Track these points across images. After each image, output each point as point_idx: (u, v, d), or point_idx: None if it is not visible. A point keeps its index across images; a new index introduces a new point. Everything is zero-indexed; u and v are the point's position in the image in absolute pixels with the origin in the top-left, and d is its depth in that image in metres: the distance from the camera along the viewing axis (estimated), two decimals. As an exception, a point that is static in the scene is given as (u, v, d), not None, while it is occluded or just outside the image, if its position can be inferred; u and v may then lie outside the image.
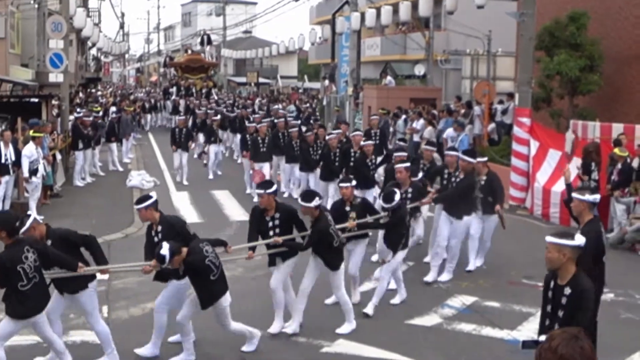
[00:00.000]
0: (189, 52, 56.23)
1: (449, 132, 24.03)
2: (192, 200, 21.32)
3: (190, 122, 35.24)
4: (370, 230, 12.02)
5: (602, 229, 8.81)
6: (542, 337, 4.49)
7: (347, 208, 11.56)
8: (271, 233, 10.42)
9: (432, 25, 37.19)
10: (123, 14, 78.07)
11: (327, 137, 19.12)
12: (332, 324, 10.89)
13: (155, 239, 9.58)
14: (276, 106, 36.42)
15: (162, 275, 9.66)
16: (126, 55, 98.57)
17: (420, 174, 14.37)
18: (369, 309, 11.40)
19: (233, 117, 31.47)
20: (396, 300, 11.98)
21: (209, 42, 58.92)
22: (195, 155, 28.43)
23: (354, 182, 11.89)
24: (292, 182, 21.63)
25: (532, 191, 19.72)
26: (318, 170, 19.04)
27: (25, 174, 17.58)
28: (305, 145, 20.12)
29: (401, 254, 11.66)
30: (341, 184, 11.84)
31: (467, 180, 13.27)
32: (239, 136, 27.84)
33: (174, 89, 50.49)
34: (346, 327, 10.69)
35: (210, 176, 25.56)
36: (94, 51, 60.29)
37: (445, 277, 13.28)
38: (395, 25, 44.28)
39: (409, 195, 12.96)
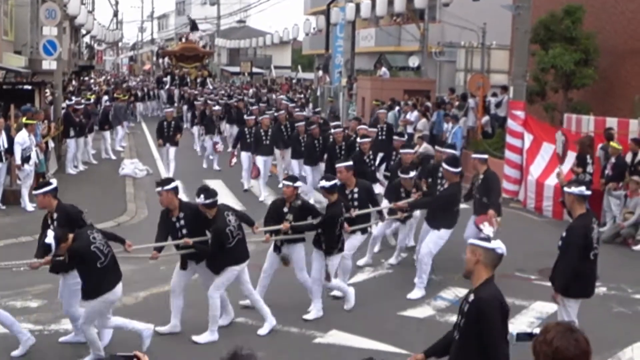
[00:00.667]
0: (183, 40, 55.09)
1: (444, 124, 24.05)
2: (185, 190, 21.19)
3: (189, 114, 34.85)
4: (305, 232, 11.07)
5: (593, 224, 8.75)
6: (536, 330, 4.49)
7: (285, 209, 10.79)
8: (179, 235, 9.95)
9: (427, 17, 37.15)
10: (117, 2, 77.68)
11: (332, 131, 18.78)
12: (326, 315, 10.89)
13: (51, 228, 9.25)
14: (281, 97, 34.78)
15: (56, 268, 9.21)
16: (119, 44, 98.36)
17: (413, 173, 13.31)
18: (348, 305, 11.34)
19: (228, 108, 30.53)
20: (310, 316, 10.89)
21: (195, 27, 57.65)
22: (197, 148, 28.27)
23: (298, 183, 10.96)
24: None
25: (525, 184, 19.73)
26: (322, 165, 18.77)
27: (18, 161, 17.51)
28: (310, 139, 19.63)
29: (336, 259, 10.99)
30: (284, 181, 11.11)
31: (450, 190, 12.42)
32: (235, 128, 27.38)
33: (167, 78, 49.41)
34: (206, 336, 9.94)
35: (204, 165, 25.19)
36: (87, 39, 60.07)
37: (415, 294, 12.11)
38: (390, 17, 44.22)
39: (355, 196, 11.99)
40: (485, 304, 5.78)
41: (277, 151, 21.42)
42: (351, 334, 10.25)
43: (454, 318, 10.91)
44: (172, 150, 22.46)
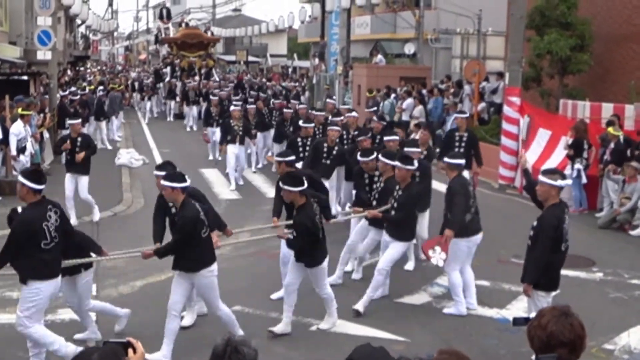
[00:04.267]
0: (183, 25, 50.02)
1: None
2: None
3: (203, 109, 30.83)
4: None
5: (565, 214, 8.48)
6: (532, 314, 4.50)
7: None
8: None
9: (423, 3, 37.10)
10: (112, -8, 77.59)
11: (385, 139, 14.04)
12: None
13: None
14: (331, 99, 24.27)
15: None
16: (115, 33, 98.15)
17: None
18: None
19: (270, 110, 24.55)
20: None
21: (168, 16, 52.52)
22: (217, 156, 23.34)
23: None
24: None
25: (521, 170, 19.70)
26: None
27: (13, 152, 17.49)
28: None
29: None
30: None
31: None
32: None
33: (167, 69, 44.17)
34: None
35: (232, 186, 19.75)
36: (82, 29, 60.01)
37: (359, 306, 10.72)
38: (386, 4, 44.19)
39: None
40: None
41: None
42: (347, 321, 10.25)
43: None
44: (82, 180, 15.63)
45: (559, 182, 8.39)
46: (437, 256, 10.51)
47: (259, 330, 9.64)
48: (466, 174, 14.38)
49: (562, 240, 8.46)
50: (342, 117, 17.18)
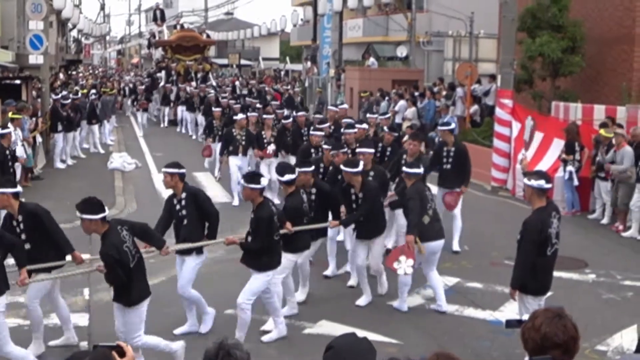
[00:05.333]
0: (177, 27, 47.88)
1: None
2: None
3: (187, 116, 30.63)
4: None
5: (552, 218, 8.38)
6: (525, 317, 4.51)
7: None
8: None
9: (415, 6, 37.17)
10: (103, -5, 77.58)
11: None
12: (316, 305, 10.90)
13: None
14: (332, 107, 21.45)
15: None
16: (107, 37, 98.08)
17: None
18: None
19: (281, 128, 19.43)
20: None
21: (162, 18, 50.20)
22: (216, 174, 20.31)
23: None
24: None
25: (513, 172, 19.76)
26: None
27: (4, 156, 17.42)
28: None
29: None
30: None
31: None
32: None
33: (162, 74, 41.89)
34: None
35: (235, 202, 18.02)
36: (74, 33, 59.94)
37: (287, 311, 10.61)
38: (378, 7, 44.25)
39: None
40: None
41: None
42: (341, 324, 10.23)
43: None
44: None
45: (532, 182, 8.34)
46: (403, 266, 10.35)
47: (252, 334, 9.63)
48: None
49: (547, 244, 8.37)
50: (355, 130, 15.25)
